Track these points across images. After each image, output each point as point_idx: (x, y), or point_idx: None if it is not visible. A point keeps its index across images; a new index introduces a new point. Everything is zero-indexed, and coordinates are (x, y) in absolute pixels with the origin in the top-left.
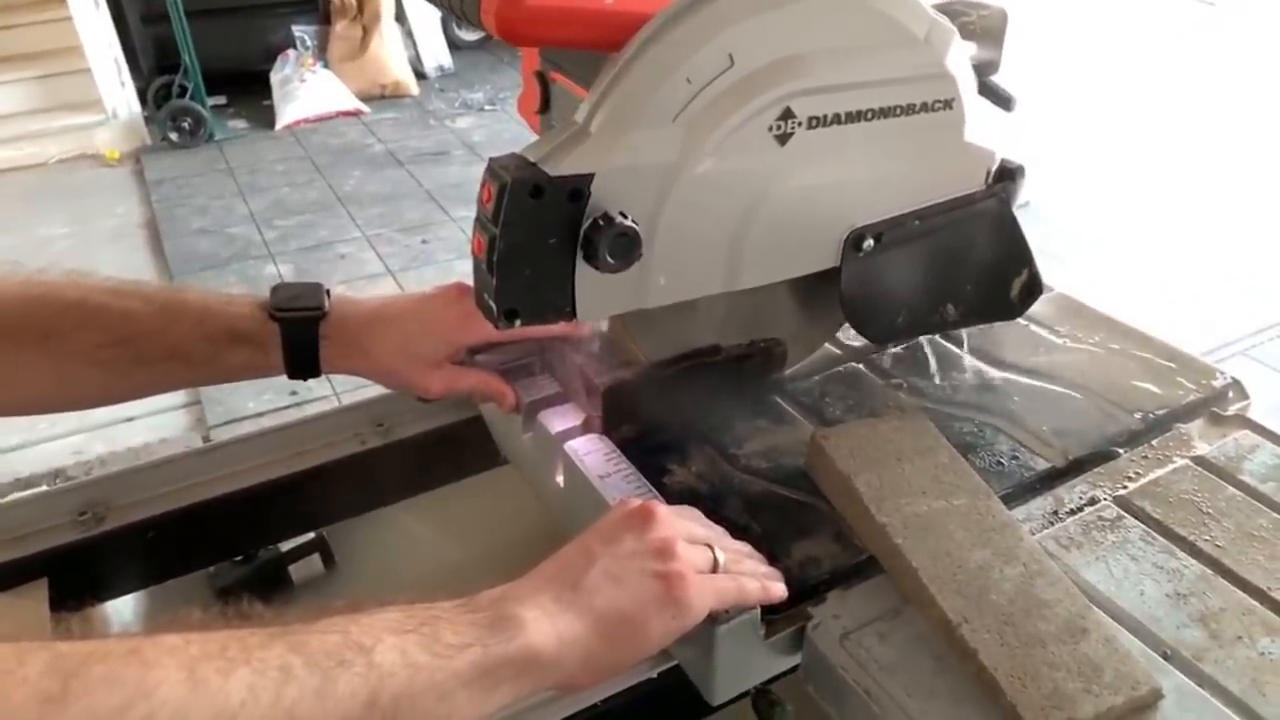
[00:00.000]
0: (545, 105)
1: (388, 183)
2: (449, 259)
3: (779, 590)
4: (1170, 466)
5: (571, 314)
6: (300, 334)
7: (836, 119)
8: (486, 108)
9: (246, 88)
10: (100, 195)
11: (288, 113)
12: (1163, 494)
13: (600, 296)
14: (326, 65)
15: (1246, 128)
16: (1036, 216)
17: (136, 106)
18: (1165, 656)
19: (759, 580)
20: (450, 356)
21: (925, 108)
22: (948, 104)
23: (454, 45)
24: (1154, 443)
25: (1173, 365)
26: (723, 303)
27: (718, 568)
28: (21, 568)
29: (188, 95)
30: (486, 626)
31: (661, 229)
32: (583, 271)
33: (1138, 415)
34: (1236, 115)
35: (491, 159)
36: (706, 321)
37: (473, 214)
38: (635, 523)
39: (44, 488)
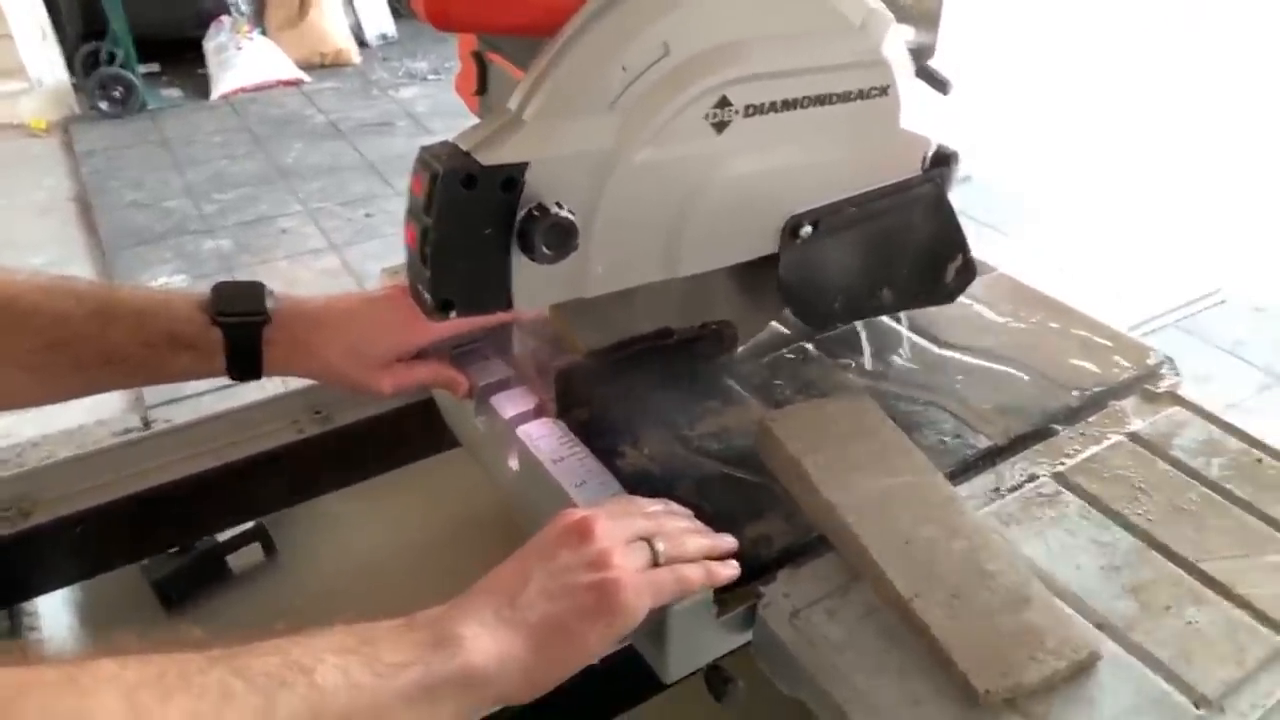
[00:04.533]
0: (483, 86)
1: (329, 155)
2: (393, 232)
3: (723, 573)
4: (1106, 443)
5: (508, 305)
6: (243, 338)
7: (773, 106)
8: (430, 77)
9: (180, 55)
10: (27, 167)
11: (224, 81)
12: (1098, 470)
13: (537, 286)
14: (264, 32)
15: (1185, 100)
16: (979, 189)
17: (63, 74)
18: (1099, 626)
19: (701, 567)
20: (399, 357)
21: (861, 95)
22: (883, 90)
23: (397, 13)
24: (1090, 420)
25: (1109, 343)
26: (662, 289)
27: (659, 560)
28: None
29: (116, 62)
30: (428, 645)
31: (599, 218)
32: (518, 262)
33: (1075, 393)
34: (1174, 88)
35: (423, 148)
36: (645, 309)
37: None
38: (572, 537)
39: None
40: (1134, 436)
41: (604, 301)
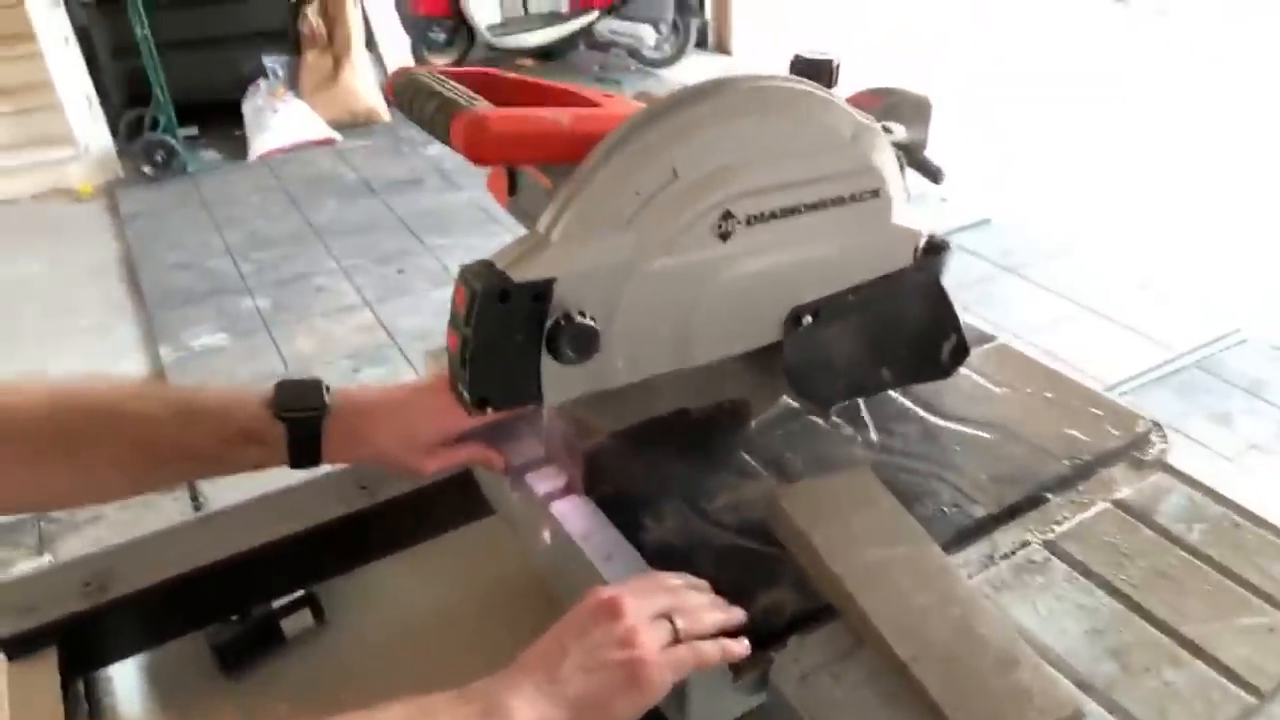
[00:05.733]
0: (513, 189)
1: (362, 212)
2: (425, 289)
3: (736, 650)
4: (1093, 510)
5: (539, 400)
6: (304, 433)
7: (773, 215)
8: None
9: (218, 118)
10: (75, 231)
11: (261, 143)
12: (1086, 537)
13: (565, 382)
14: (298, 95)
15: (1204, 141)
16: (998, 231)
17: (108, 140)
18: (1082, 687)
19: (717, 644)
20: (443, 441)
21: (854, 198)
22: (875, 193)
23: None
24: (1080, 487)
25: (1100, 412)
26: (678, 374)
27: (679, 636)
28: (33, 637)
29: (159, 128)
30: (478, 716)
31: (618, 320)
32: (547, 363)
33: (1067, 462)
34: (1193, 130)
35: (463, 266)
36: (664, 392)
37: (447, 241)
38: (602, 616)
39: (48, 558)
40: (1120, 504)
41: (625, 387)
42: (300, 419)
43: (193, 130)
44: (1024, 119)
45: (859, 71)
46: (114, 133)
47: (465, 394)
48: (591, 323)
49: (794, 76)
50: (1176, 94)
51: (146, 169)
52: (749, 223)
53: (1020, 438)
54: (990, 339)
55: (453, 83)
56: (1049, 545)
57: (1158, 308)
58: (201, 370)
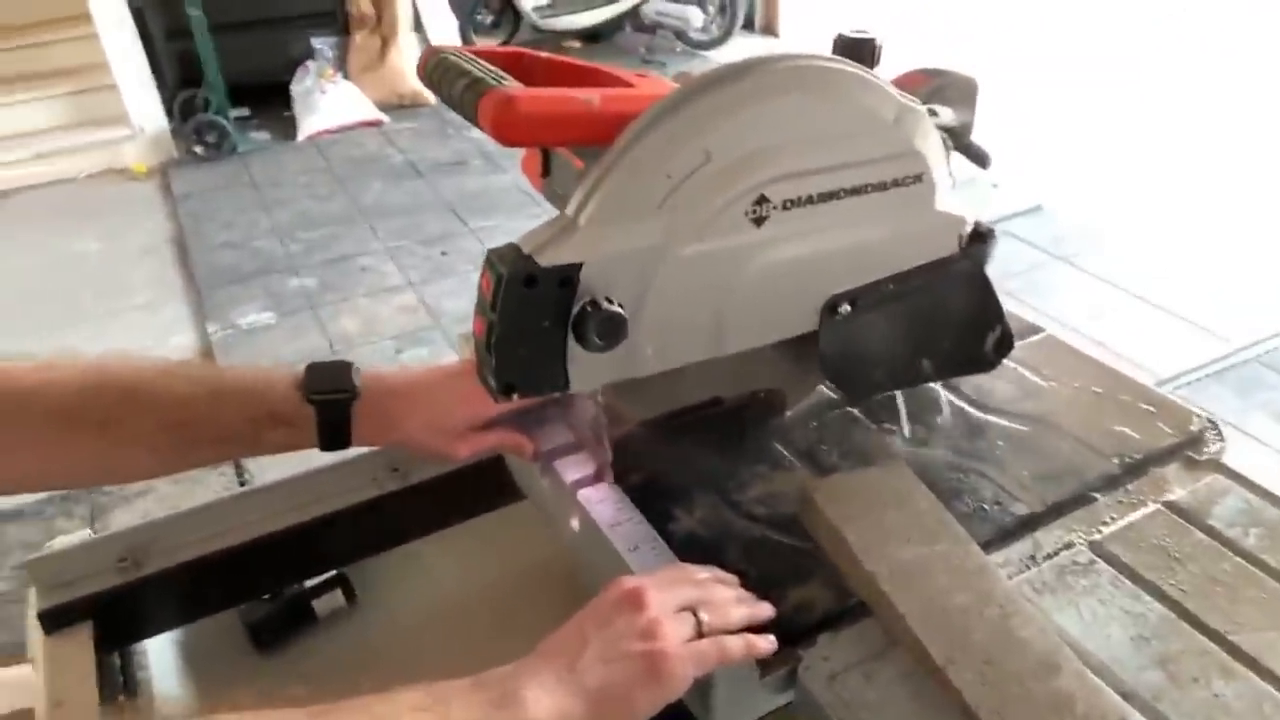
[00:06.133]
0: (546, 170)
1: (408, 194)
2: (468, 270)
3: (761, 646)
4: (1143, 511)
5: (565, 387)
6: (334, 415)
7: (809, 200)
8: None
9: (268, 99)
10: (129, 210)
11: (309, 124)
12: (1134, 539)
13: (592, 370)
14: (346, 76)
15: (1262, 115)
16: (1048, 219)
17: (163, 121)
18: (1126, 696)
19: (742, 639)
20: (473, 426)
21: (896, 183)
22: (918, 178)
23: None
24: (1129, 487)
25: (1152, 408)
26: (711, 363)
27: (703, 630)
28: (69, 611)
29: (211, 109)
30: (493, 704)
31: (647, 307)
32: (574, 350)
33: (1115, 460)
34: (1245, 101)
35: (490, 250)
36: (696, 380)
37: (491, 224)
38: (624, 606)
39: (88, 532)
40: (1172, 505)
41: (656, 375)
42: (330, 402)
43: (244, 111)
44: (1079, 102)
45: (907, 53)
46: (168, 113)
47: (490, 380)
48: (619, 309)
49: (834, 56)
50: (1238, 76)
51: (198, 149)
52: (785, 207)
53: (1067, 434)
54: (1038, 330)
55: (482, 62)
56: (1094, 547)
57: (1216, 299)
58: (248, 348)
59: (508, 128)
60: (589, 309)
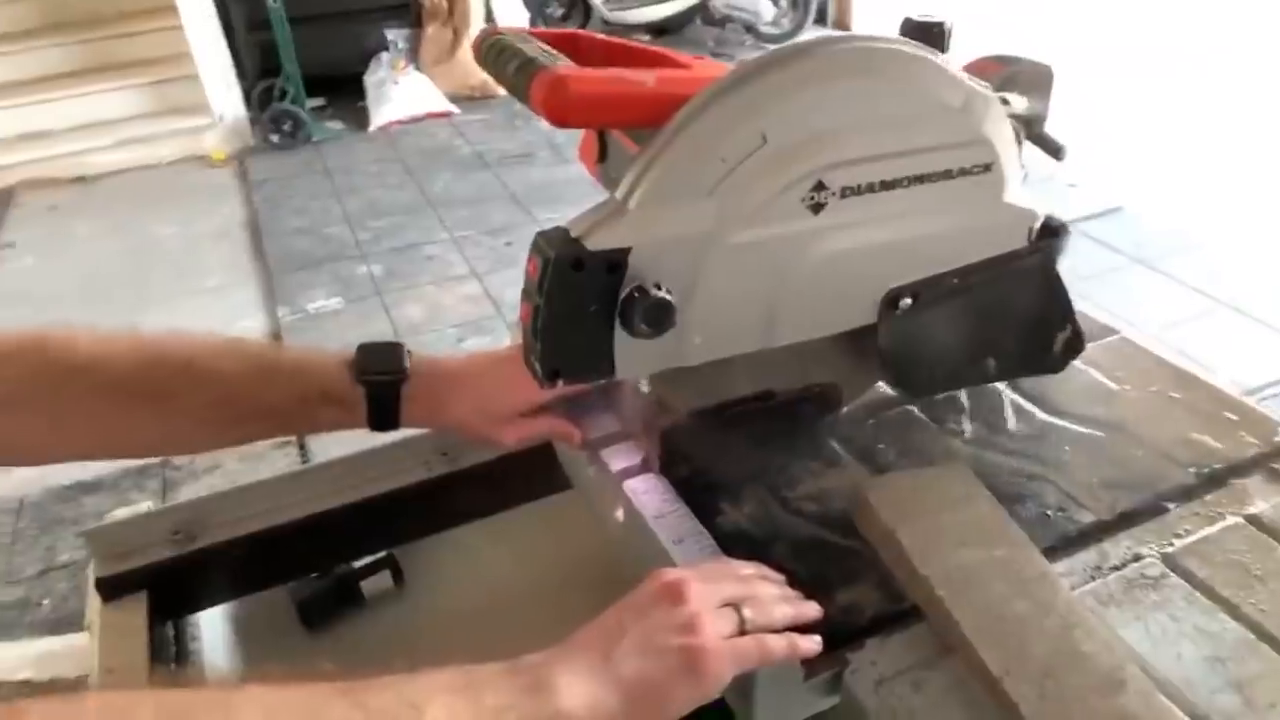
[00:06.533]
0: (603, 155)
1: (475, 184)
2: None
3: (805, 646)
4: (1221, 524)
5: (611, 373)
6: (384, 396)
7: (870, 188)
8: None
9: (343, 90)
10: (207, 196)
11: (381, 114)
12: (1211, 553)
13: (638, 357)
14: (418, 68)
15: None
16: (1129, 220)
17: (242, 110)
18: None
19: (786, 638)
20: (521, 412)
21: (963, 172)
22: (986, 168)
23: None
24: (1207, 498)
25: (1233, 417)
26: (763, 354)
27: (745, 627)
28: (124, 581)
29: (288, 99)
30: (526, 690)
31: (697, 294)
32: (621, 335)
33: (1192, 470)
34: None
35: (538, 233)
36: (747, 372)
37: (556, 215)
38: (664, 598)
39: (146, 506)
40: (1253, 519)
41: (705, 366)
42: (380, 382)
43: (320, 101)
44: (1164, 97)
45: (979, 41)
46: (246, 103)
47: (536, 365)
48: (667, 296)
49: (900, 38)
50: None
51: (274, 137)
52: (843, 195)
53: (1140, 440)
54: (1112, 332)
55: (537, 43)
56: (1167, 560)
57: None
58: (315, 332)
59: (559, 108)
60: (636, 295)
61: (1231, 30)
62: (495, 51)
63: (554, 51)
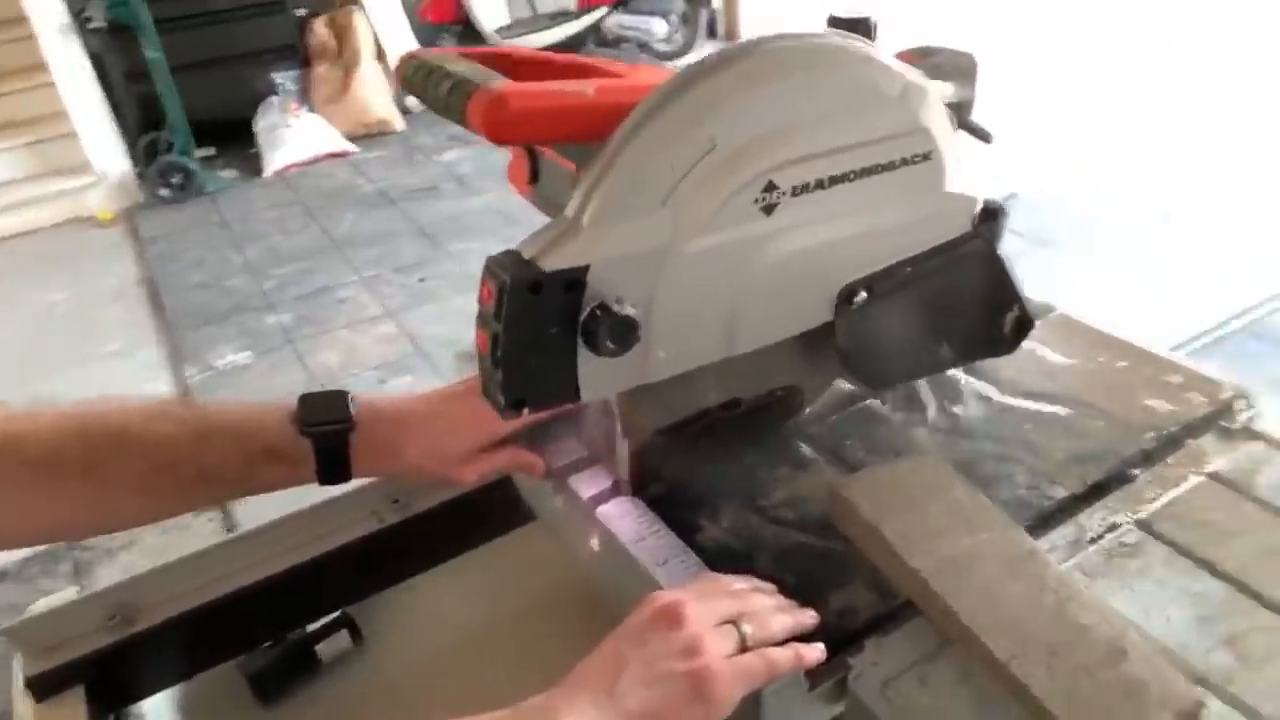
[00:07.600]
0: (534, 176)
1: (381, 222)
2: (448, 295)
3: (810, 656)
4: (1186, 485)
5: (576, 397)
6: (332, 446)
7: (819, 184)
8: (472, 139)
9: (233, 137)
10: (97, 257)
11: (276, 159)
12: (1182, 514)
13: (603, 377)
14: (311, 109)
15: (1243, 96)
16: (1027, 207)
17: (126, 165)
18: (1198, 681)
19: (790, 650)
20: (479, 448)
21: (905, 162)
22: (926, 156)
23: None
24: (1168, 461)
25: (1179, 380)
26: (725, 363)
27: (746, 643)
28: (57, 677)
29: (175, 150)
30: None
31: (658, 308)
32: (584, 356)
33: (1150, 434)
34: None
35: (489, 258)
36: (711, 382)
37: (467, 246)
38: (661, 622)
39: (74, 591)
40: (1215, 476)
41: (668, 380)
42: (326, 433)
43: (209, 150)
44: (1045, 87)
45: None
46: (131, 158)
47: (499, 395)
48: (630, 312)
49: (836, 31)
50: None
51: (164, 192)
52: (794, 193)
53: (1097, 411)
54: (1050, 309)
55: (466, 61)
56: (1142, 525)
57: (1202, 273)
58: (227, 389)
59: (501, 126)
60: (599, 313)
61: (1127, 26)
62: (423, 74)
63: (485, 69)
